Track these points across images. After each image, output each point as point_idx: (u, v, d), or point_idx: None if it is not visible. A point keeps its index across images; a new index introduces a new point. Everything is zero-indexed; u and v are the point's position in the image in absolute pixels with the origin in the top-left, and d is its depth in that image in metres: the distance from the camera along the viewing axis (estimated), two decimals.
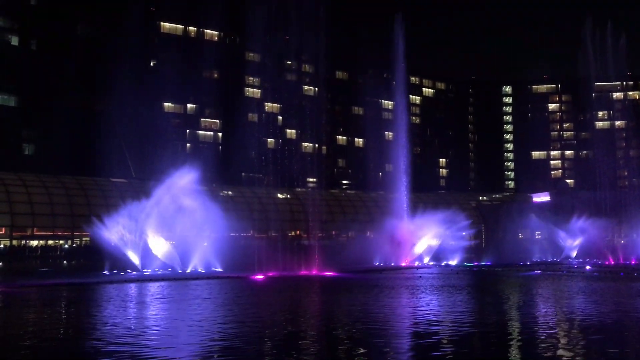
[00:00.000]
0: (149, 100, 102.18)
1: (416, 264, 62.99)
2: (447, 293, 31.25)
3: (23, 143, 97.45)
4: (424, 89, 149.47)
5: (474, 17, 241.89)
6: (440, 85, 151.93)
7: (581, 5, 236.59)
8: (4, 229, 66.25)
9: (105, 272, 46.58)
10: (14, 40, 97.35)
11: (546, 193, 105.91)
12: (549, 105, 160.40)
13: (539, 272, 50.18)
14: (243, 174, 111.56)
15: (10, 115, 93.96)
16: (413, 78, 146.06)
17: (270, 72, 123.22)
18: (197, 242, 52.15)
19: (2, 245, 64.31)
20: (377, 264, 62.02)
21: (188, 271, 48.68)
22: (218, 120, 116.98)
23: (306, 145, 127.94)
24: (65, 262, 62.04)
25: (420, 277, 44.29)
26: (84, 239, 69.25)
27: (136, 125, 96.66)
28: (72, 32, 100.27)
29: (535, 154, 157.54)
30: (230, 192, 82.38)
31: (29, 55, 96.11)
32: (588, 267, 57.70)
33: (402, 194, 69.62)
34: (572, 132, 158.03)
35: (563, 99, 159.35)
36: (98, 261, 48.86)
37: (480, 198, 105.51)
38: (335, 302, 28.14)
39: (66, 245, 68.02)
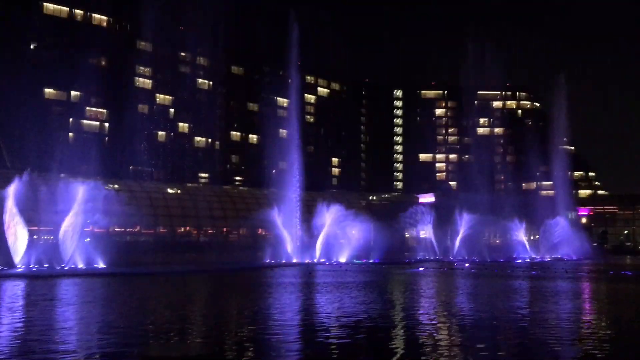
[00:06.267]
0: (29, 86, 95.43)
1: (307, 260, 63.70)
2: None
3: None
4: (319, 88, 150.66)
5: (369, 22, 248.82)
6: (335, 86, 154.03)
7: (465, 19, 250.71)
8: None
9: None
10: None
11: (431, 194, 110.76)
12: (436, 110, 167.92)
13: (422, 269, 52.38)
14: (131, 167, 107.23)
15: None
16: (309, 77, 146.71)
17: (162, 63, 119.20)
18: (78, 238, 49.29)
19: None
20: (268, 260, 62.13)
21: (66, 268, 45.81)
22: (105, 110, 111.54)
23: (199, 139, 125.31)
24: None
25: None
26: None
27: (14, 112, 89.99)
28: None
29: (423, 156, 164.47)
30: (116, 186, 78.71)
31: None
32: (467, 265, 61.09)
33: (294, 191, 70.35)
34: (456, 137, 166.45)
35: (449, 105, 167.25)
36: None
37: (370, 197, 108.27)
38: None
39: None
